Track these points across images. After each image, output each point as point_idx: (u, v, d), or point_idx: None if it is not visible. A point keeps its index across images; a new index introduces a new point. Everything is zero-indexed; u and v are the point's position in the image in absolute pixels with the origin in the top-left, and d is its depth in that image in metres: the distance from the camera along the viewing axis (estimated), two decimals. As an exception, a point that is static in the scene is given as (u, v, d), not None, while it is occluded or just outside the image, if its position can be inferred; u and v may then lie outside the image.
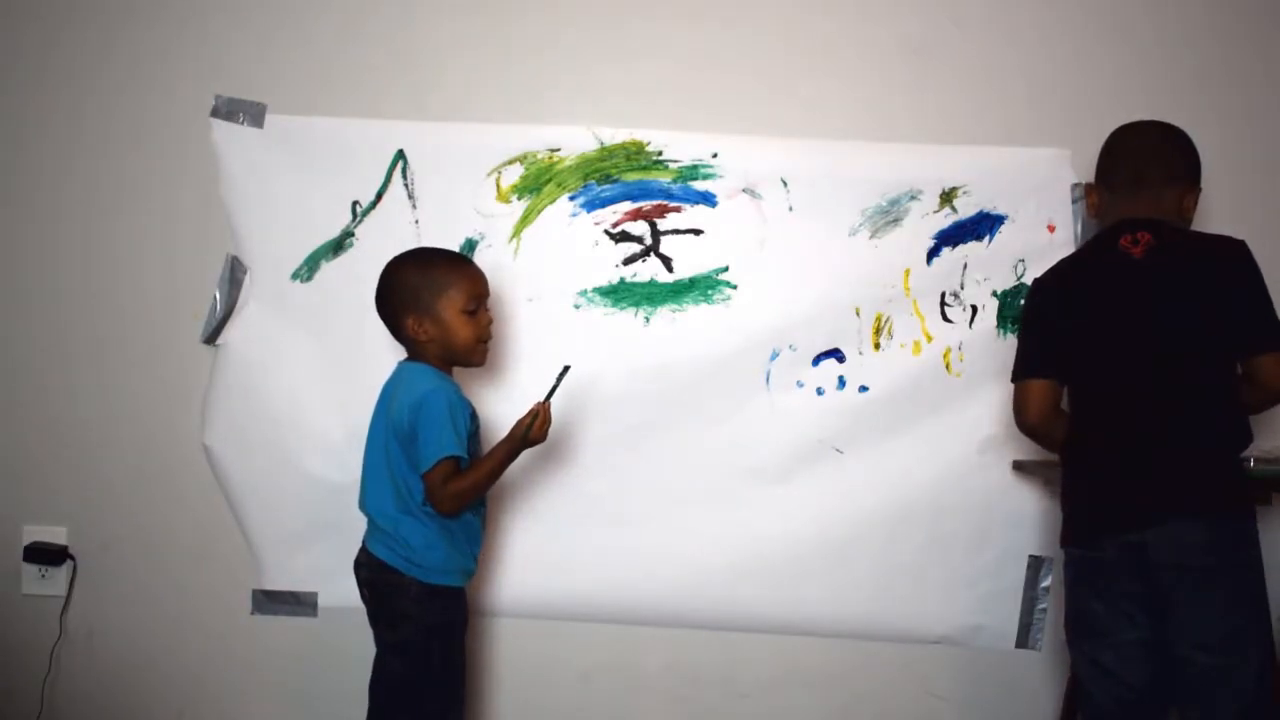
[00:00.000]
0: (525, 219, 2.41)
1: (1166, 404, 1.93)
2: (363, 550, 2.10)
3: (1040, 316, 2.12)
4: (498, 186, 2.41)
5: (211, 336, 2.43)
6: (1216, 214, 2.45)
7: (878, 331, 2.41)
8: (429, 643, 2.06)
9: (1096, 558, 1.96)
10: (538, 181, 2.40)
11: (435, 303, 2.08)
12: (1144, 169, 2.05)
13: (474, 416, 2.10)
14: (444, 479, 1.98)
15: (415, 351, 2.11)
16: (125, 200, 2.46)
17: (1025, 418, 2.11)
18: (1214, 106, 2.44)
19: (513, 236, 2.41)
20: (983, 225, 2.41)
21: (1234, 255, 1.98)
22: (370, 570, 2.07)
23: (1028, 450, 2.40)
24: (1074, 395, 2.08)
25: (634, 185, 2.41)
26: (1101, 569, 1.96)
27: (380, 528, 2.06)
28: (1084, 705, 2.03)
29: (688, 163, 2.40)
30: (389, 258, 2.16)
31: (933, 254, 2.41)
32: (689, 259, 2.40)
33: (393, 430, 2.03)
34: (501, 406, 2.34)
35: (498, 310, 2.39)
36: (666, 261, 2.41)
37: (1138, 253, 1.98)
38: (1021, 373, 2.12)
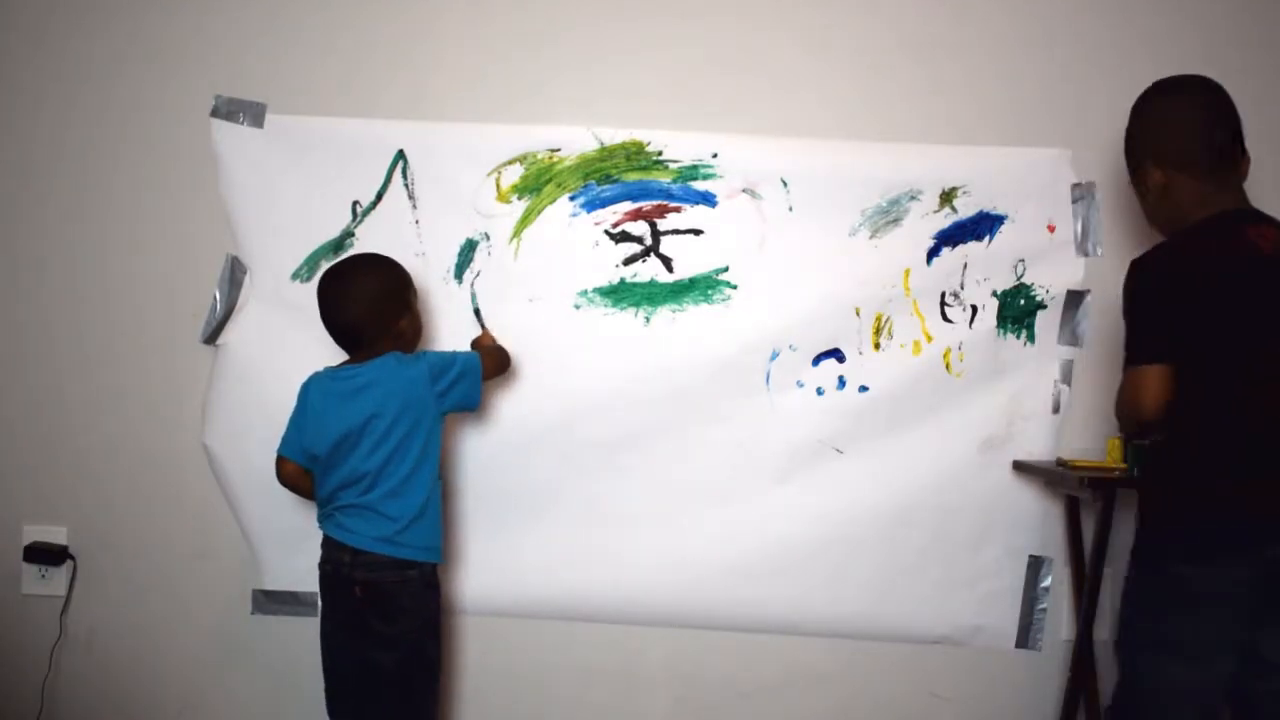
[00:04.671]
0: (525, 219, 2.41)
1: None
2: (347, 551, 2.10)
3: (1167, 300, 1.89)
4: (498, 186, 2.41)
5: (211, 336, 2.43)
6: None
7: (878, 331, 2.41)
8: (423, 635, 2.15)
9: (1214, 575, 1.81)
10: (538, 181, 2.40)
11: (411, 298, 2.21)
12: (1224, 146, 1.94)
13: None
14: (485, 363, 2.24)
15: (380, 349, 2.14)
16: (125, 200, 2.46)
17: (1145, 405, 1.88)
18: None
19: (513, 237, 2.41)
20: (983, 225, 2.41)
21: None
22: (369, 569, 2.09)
23: (1028, 450, 2.40)
24: (1199, 394, 1.87)
25: (634, 185, 2.41)
26: (1218, 591, 1.81)
27: (389, 518, 2.09)
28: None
29: (688, 163, 2.40)
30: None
31: (933, 254, 2.41)
32: (689, 259, 2.40)
33: (412, 408, 2.10)
34: (504, 406, 2.36)
35: (499, 310, 2.40)
36: (666, 261, 2.40)
37: (1267, 248, 1.86)
38: (1142, 357, 1.90)
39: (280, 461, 2.18)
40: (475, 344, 2.34)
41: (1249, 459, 1.84)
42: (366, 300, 2.13)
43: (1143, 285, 1.94)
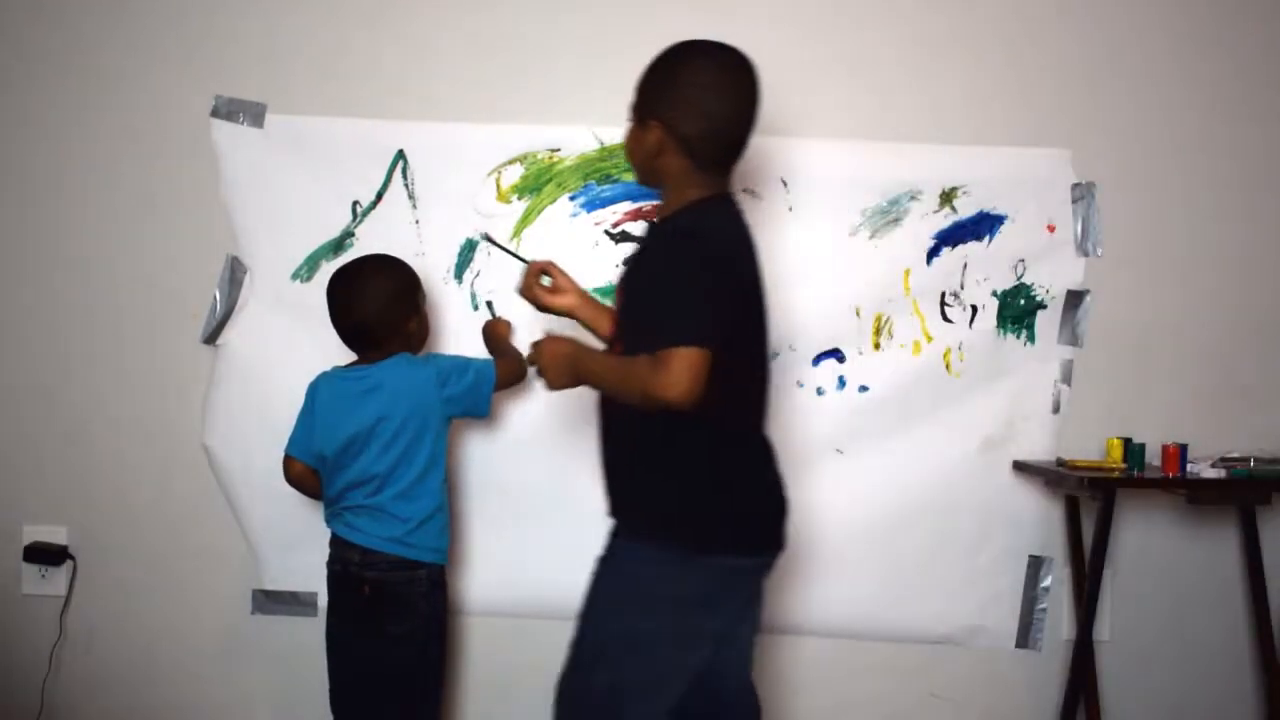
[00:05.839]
0: (525, 219, 2.40)
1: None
2: (356, 550, 2.10)
3: (726, 277, 1.68)
4: (498, 186, 2.41)
5: (211, 336, 2.43)
6: (1221, 212, 2.46)
7: (878, 331, 2.41)
8: (429, 632, 2.15)
9: (746, 566, 1.78)
10: (538, 181, 2.40)
11: (420, 300, 2.21)
12: (744, 149, 1.79)
13: None
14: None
15: (390, 349, 2.14)
16: (125, 200, 2.46)
17: (683, 389, 1.59)
18: (1217, 105, 2.45)
19: (513, 236, 2.40)
20: (983, 225, 2.41)
21: None
22: (378, 569, 2.09)
23: (1028, 450, 2.40)
24: (729, 374, 1.67)
25: (634, 185, 2.40)
26: (745, 581, 1.81)
27: (399, 519, 2.09)
28: None
29: (688, 163, 2.40)
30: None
31: (933, 254, 2.41)
32: (689, 259, 2.40)
33: (420, 411, 2.11)
34: (506, 405, 2.35)
35: (499, 310, 2.41)
36: (666, 261, 2.40)
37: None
38: (699, 337, 1.60)
39: (288, 461, 2.18)
40: (490, 329, 2.34)
41: (769, 448, 1.83)
42: (378, 301, 2.13)
43: (695, 259, 1.67)
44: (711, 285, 1.65)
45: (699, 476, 1.73)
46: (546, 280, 2.03)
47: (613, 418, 1.80)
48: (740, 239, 1.77)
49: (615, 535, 1.81)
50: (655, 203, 2.40)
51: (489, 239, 2.31)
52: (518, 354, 2.28)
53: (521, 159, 2.40)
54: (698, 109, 1.74)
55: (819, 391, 2.40)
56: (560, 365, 1.79)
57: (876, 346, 2.40)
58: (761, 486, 1.81)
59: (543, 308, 2.03)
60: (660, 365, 1.61)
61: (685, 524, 1.72)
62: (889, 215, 2.40)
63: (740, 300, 1.72)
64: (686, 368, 1.59)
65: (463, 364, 2.19)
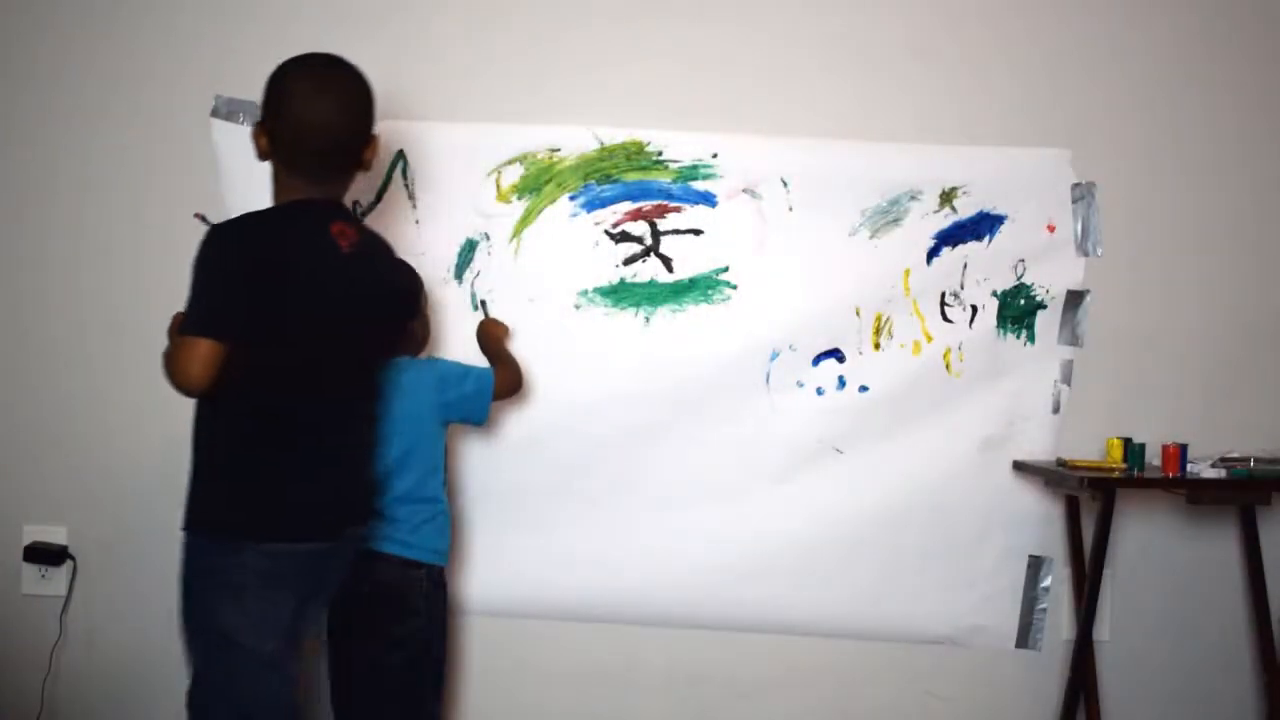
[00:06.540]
0: (525, 219, 2.41)
1: (356, 413, 1.93)
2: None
3: (241, 278, 1.75)
4: (498, 186, 2.41)
5: (211, 336, 2.43)
6: (1221, 212, 2.46)
7: (878, 331, 2.41)
8: (430, 633, 2.16)
9: (310, 551, 1.84)
10: (538, 181, 2.40)
11: (422, 301, 2.20)
12: (347, 159, 1.89)
13: None
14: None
15: (396, 352, 2.12)
16: (125, 200, 2.46)
17: (192, 377, 1.72)
18: (1217, 104, 2.45)
19: (513, 236, 2.41)
20: (983, 225, 2.42)
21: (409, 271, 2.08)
22: (379, 570, 2.09)
23: (1028, 450, 2.41)
24: (267, 372, 1.77)
25: (634, 185, 2.41)
26: (311, 565, 1.86)
27: (399, 520, 2.09)
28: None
29: (688, 163, 2.40)
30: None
31: (933, 254, 2.41)
32: (689, 259, 2.40)
33: (419, 412, 2.11)
34: (504, 406, 2.35)
35: (499, 310, 2.41)
36: (666, 261, 2.41)
37: (346, 247, 1.85)
38: (199, 327, 1.72)
39: None
40: (485, 330, 2.33)
41: (333, 446, 1.88)
42: (414, 292, 2.13)
43: (220, 254, 1.78)
44: (233, 281, 1.75)
45: (219, 468, 1.81)
46: None
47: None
48: (298, 242, 1.82)
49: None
50: (656, 202, 2.41)
51: (203, 219, 2.29)
52: (515, 362, 2.28)
53: (521, 159, 2.40)
54: (286, 118, 1.85)
55: (819, 391, 2.40)
56: (169, 333, 1.91)
57: (876, 346, 2.41)
58: (291, 480, 1.83)
59: None
60: (174, 353, 1.76)
61: (209, 511, 1.81)
62: (889, 215, 2.40)
63: (280, 300, 1.77)
64: (194, 357, 1.71)
65: (463, 371, 2.19)
